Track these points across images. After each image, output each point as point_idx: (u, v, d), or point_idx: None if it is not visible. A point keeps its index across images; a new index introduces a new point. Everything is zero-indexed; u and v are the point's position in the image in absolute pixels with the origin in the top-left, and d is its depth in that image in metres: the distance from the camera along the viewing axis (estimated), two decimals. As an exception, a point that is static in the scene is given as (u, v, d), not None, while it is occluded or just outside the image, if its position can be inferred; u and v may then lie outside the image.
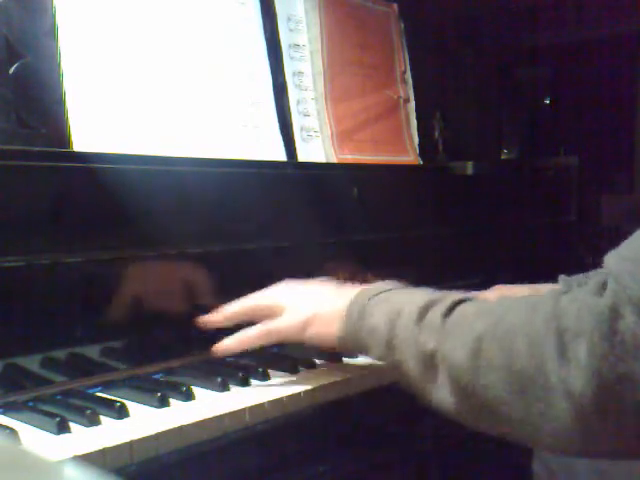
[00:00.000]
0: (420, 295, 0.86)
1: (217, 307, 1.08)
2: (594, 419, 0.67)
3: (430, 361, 0.79)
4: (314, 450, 0.95)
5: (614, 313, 0.66)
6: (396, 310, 0.85)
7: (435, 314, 0.81)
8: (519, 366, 0.70)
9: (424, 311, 0.82)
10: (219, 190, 1.12)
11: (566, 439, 0.70)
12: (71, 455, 0.72)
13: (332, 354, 1.08)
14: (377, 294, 0.90)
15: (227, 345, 0.96)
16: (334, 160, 1.40)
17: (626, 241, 0.75)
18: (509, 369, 0.71)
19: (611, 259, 0.73)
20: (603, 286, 0.70)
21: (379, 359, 0.87)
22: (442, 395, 0.78)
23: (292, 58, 1.38)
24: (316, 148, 1.38)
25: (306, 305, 0.95)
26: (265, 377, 0.98)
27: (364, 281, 1.32)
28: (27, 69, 1.02)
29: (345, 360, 1.09)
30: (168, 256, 1.04)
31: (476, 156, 1.81)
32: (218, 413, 0.85)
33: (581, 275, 0.74)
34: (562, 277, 0.77)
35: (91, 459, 0.73)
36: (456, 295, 0.83)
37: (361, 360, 1.11)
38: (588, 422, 0.67)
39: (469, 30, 1.92)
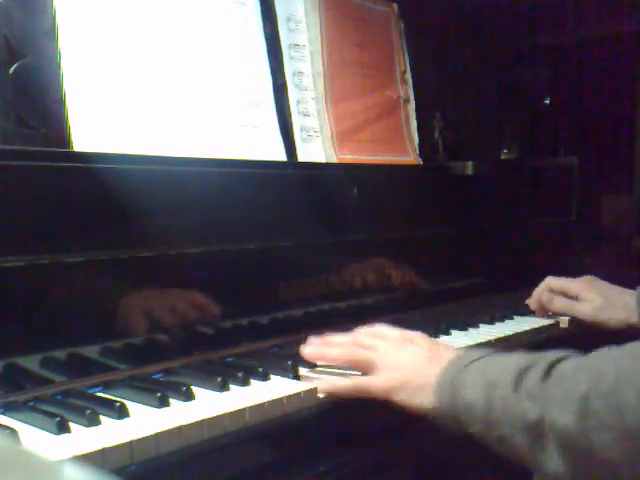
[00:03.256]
0: (513, 360, 0.83)
1: (218, 308, 1.09)
2: None
3: (536, 431, 0.75)
4: (314, 450, 0.95)
5: None
6: (490, 381, 0.81)
7: (532, 379, 0.77)
8: (632, 421, 0.67)
9: (520, 378, 0.78)
10: (219, 190, 1.12)
11: None
12: (71, 455, 0.72)
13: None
14: (469, 364, 0.86)
15: (322, 389, 0.95)
16: (334, 160, 1.40)
17: None
18: (622, 426, 0.68)
19: None
20: None
21: (480, 436, 0.82)
22: (555, 465, 0.74)
23: (292, 58, 1.38)
24: (316, 148, 1.38)
25: (397, 369, 0.92)
26: (265, 377, 0.98)
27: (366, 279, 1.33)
28: (27, 69, 1.02)
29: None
30: (168, 256, 1.04)
31: (476, 156, 1.81)
32: (218, 413, 0.85)
33: None
34: None
35: (91, 459, 0.72)
36: (550, 355, 0.80)
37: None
38: None
39: (469, 30, 1.92)
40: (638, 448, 0.67)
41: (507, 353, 0.88)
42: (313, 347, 1.01)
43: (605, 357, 0.74)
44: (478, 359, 0.86)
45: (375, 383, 0.93)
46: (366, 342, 0.98)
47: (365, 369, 0.96)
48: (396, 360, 0.93)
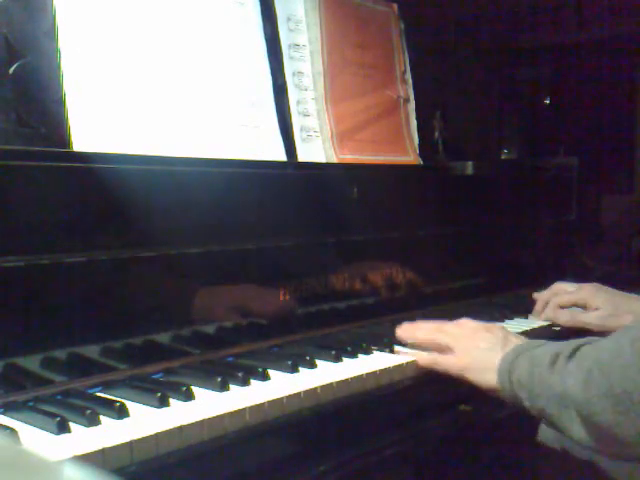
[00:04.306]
0: (556, 345, 0.97)
1: (218, 307, 1.09)
2: None
3: (562, 402, 0.88)
4: (314, 450, 0.95)
5: None
6: (535, 363, 0.96)
7: (562, 359, 0.91)
8: (618, 388, 0.79)
9: (555, 358, 0.93)
10: (219, 190, 1.12)
11: None
12: (71, 455, 0.72)
13: (334, 355, 1.08)
14: (524, 351, 1.00)
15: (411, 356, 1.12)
16: (334, 160, 1.40)
17: None
18: (612, 393, 0.80)
19: None
20: None
21: (530, 409, 0.96)
22: (577, 431, 0.87)
23: (292, 58, 1.38)
24: (316, 148, 1.38)
25: (470, 353, 1.08)
26: (265, 377, 0.98)
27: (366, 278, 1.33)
28: (27, 69, 1.02)
29: (345, 360, 1.09)
30: (168, 256, 1.04)
31: (476, 156, 1.81)
32: (218, 413, 0.85)
33: None
34: None
35: (91, 459, 0.72)
36: (582, 340, 0.94)
37: (361, 361, 1.11)
38: None
39: (469, 30, 1.92)
40: (623, 411, 0.79)
41: (558, 341, 1.03)
42: (405, 329, 1.18)
43: (609, 337, 0.87)
44: (529, 349, 1.00)
45: (451, 362, 1.09)
46: (448, 329, 1.14)
47: (444, 351, 1.11)
48: (468, 346, 1.09)
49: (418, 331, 1.17)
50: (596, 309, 1.34)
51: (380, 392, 1.05)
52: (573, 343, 0.93)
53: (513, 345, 1.04)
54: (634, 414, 0.77)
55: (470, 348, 1.08)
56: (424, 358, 1.11)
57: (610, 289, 1.36)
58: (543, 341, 1.04)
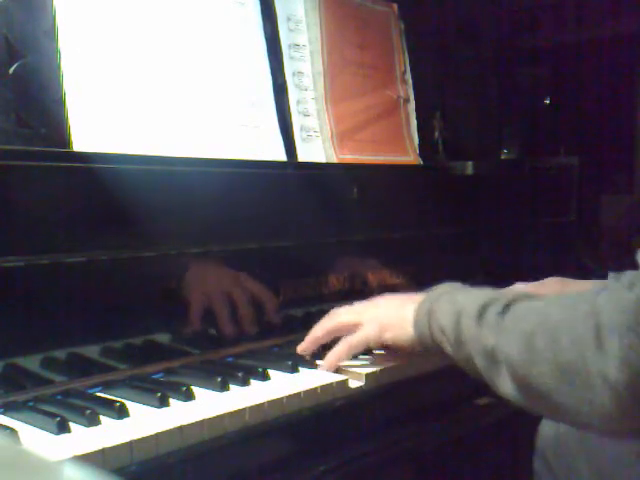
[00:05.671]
0: (479, 295, 0.95)
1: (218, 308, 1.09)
2: (630, 404, 0.74)
3: (492, 356, 0.87)
4: (314, 450, 0.95)
5: (639, 305, 0.73)
6: (459, 310, 0.93)
7: (492, 313, 0.89)
8: (565, 359, 0.79)
9: (483, 310, 0.90)
10: (219, 190, 1.12)
11: (610, 423, 0.78)
12: (71, 455, 0.72)
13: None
14: (440, 296, 0.99)
15: (327, 364, 1.05)
16: (334, 160, 1.40)
17: None
18: (556, 362, 0.79)
19: None
20: (635, 280, 0.76)
21: (453, 355, 0.94)
22: (506, 386, 0.86)
23: (292, 58, 1.38)
24: (316, 148, 1.38)
25: (379, 316, 1.06)
26: (265, 377, 0.98)
27: (364, 280, 1.33)
28: (27, 69, 1.02)
29: (346, 360, 1.09)
30: (168, 256, 1.04)
31: (476, 156, 1.81)
32: (218, 413, 0.85)
33: (629, 272, 0.80)
34: (611, 274, 0.83)
35: (91, 459, 0.72)
36: (509, 294, 0.92)
37: (360, 361, 1.11)
38: (625, 407, 0.75)
39: (469, 30, 1.92)
40: (566, 381, 0.78)
41: (473, 288, 1.00)
42: (304, 341, 1.10)
43: (553, 303, 0.86)
44: (447, 292, 0.99)
45: (364, 333, 1.05)
46: (345, 310, 1.11)
47: (353, 330, 1.07)
48: (376, 311, 1.07)
49: (314, 330, 1.10)
50: None
51: (380, 391, 1.05)
52: (501, 297, 0.91)
53: (419, 298, 1.02)
54: (578, 386, 0.78)
55: (379, 312, 1.06)
56: (341, 350, 1.05)
57: (573, 280, 1.32)
58: (457, 284, 1.02)
